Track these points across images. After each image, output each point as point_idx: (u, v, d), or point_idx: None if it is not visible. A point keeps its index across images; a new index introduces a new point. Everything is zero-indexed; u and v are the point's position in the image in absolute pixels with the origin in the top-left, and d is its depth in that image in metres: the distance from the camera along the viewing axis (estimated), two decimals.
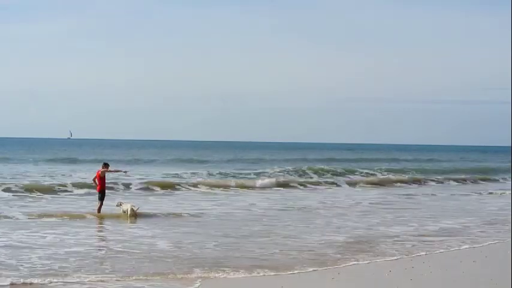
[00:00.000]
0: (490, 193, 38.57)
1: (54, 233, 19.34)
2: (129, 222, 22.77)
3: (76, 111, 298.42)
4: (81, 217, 23.42)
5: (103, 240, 19.10)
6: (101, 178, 24.23)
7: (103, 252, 16.72)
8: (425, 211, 27.80)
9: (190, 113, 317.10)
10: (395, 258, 16.15)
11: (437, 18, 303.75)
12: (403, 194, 37.20)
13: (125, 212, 23.75)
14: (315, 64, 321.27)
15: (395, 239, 19.34)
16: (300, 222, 23.33)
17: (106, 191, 24.63)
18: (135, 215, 23.60)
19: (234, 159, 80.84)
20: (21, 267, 14.19)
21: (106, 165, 24.78)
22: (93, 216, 23.52)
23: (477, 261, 15.45)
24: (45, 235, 18.98)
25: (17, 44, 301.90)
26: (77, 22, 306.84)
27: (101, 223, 22.47)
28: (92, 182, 25.50)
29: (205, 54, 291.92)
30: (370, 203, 31.05)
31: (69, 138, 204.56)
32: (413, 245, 18.11)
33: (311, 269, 14.56)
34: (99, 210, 24.09)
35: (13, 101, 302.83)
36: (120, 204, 24.16)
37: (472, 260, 15.57)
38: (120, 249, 16.79)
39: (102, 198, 24.11)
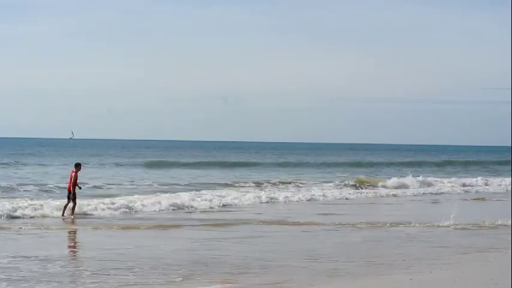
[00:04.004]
0: None
1: None
2: None
3: (76, 111, 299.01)
4: None
5: None
6: (72, 178, 24.85)
7: None
8: None
9: (190, 113, 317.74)
10: None
11: (437, 18, 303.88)
12: None
13: None
14: (315, 64, 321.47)
15: None
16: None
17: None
18: None
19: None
20: None
21: (79, 165, 25.40)
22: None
23: None
24: None
25: (17, 44, 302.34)
26: (77, 22, 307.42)
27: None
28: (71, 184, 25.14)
29: (205, 54, 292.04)
30: None
31: (71, 138, 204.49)
32: None
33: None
34: (64, 209, 24.42)
35: (13, 101, 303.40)
36: None
37: None
38: None
39: (73, 198, 24.56)
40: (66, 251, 17.79)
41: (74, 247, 18.85)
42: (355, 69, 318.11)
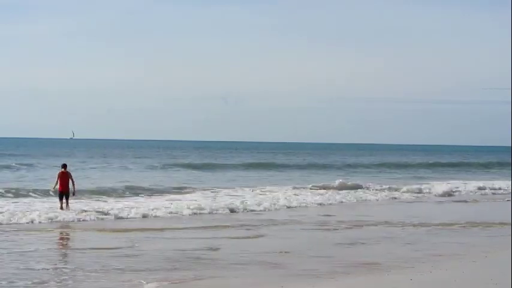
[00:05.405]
0: None
1: None
2: None
3: (76, 111, 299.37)
4: None
5: None
6: (67, 178, 25.48)
7: None
8: None
9: (190, 113, 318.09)
10: None
11: (437, 18, 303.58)
12: None
13: None
14: (315, 64, 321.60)
15: None
16: None
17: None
18: None
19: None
20: None
21: (66, 166, 26.13)
22: None
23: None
24: None
25: (17, 44, 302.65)
26: (77, 22, 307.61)
27: None
28: (55, 183, 25.83)
29: (205, 54, 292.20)
30: None
31: (71, 138, 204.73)
32: None
33: None
34: (62, 207, 25.01)
35: (13, 101, 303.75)
36: None
37: None
38: None
39: (67, 197, 25.28)
40: (52, 251, 17.70)
41: (62, 247, 18.90)
42: (355, 69, 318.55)
